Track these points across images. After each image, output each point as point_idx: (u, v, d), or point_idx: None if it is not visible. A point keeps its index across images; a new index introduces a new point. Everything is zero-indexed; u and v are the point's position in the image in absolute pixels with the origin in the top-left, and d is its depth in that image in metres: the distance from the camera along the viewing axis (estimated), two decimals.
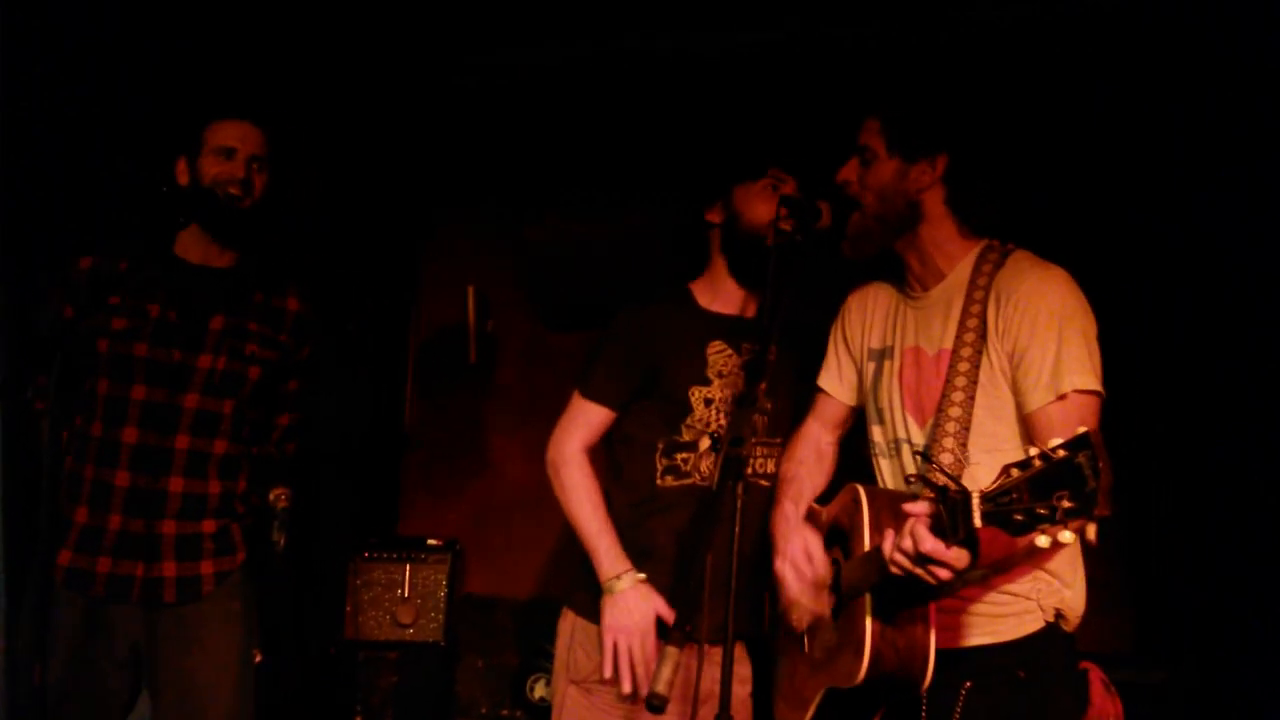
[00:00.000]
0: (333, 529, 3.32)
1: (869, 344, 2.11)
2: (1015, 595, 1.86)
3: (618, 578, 2.21)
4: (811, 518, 2.10)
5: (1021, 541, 1.53)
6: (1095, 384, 1.79)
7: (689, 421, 2.30)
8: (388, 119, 3.61)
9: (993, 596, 1.86)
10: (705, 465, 2.31)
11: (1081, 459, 1.34)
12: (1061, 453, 1.36)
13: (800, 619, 2.02)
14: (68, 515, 2.30)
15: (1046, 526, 1.36)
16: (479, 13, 3.31)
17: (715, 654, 2.09)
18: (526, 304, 3.78)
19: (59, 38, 2.58)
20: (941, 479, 1.54)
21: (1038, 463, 1.39)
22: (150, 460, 2.30)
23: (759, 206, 2.29)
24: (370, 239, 3.62)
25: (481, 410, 3.81)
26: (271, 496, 2.06)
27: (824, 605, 1.95)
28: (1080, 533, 1.35)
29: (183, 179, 2.39)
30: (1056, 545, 1.37)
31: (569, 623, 2.36)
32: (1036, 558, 1.84)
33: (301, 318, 2.50)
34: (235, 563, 2.38)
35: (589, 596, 2.30)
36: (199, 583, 2.32)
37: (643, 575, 2.22)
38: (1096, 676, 1.93)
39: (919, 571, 1.61)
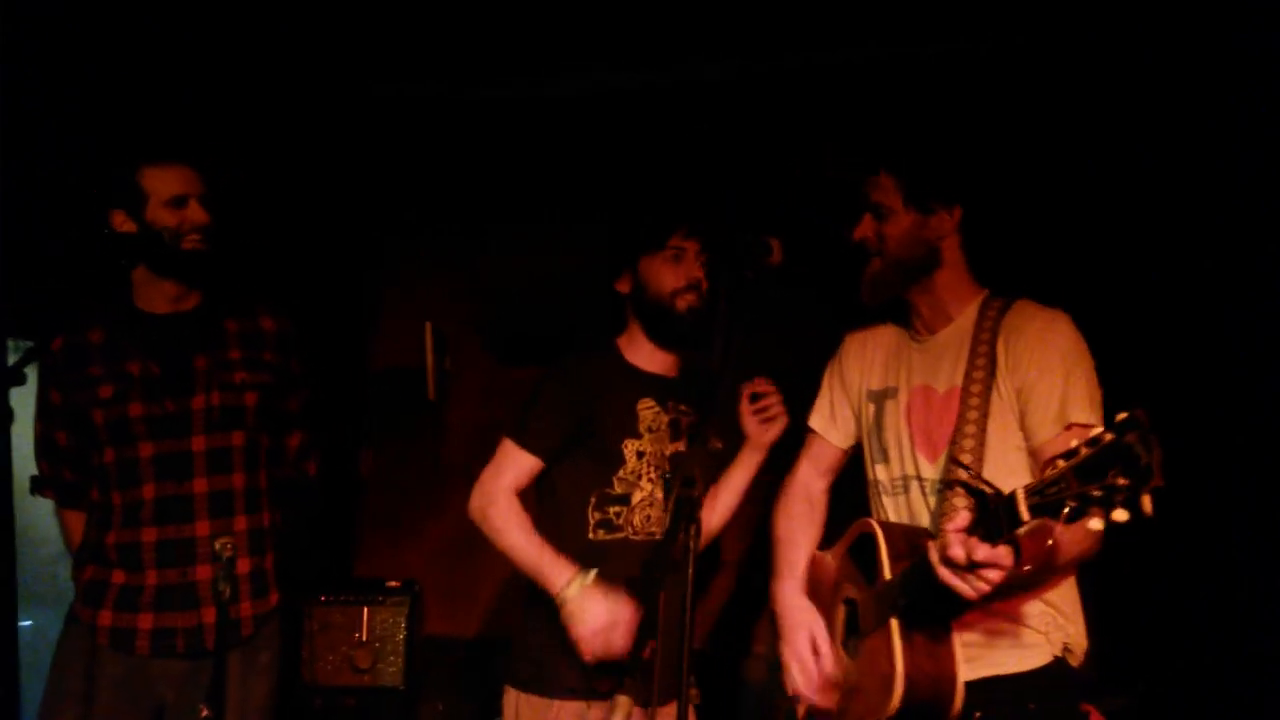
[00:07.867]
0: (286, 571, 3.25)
1: (868, 385, 2.14)
2: (1025, 627, 1.88)
3: (569, 584, 2.18)
4: (816, 567, 2.12)
5: (1060, 546, 1.56)
6: (1097, 420, 1.83)
7: (621, 473, 2.32)
8: (339, 151, 3.59)
9: (1003, 626, 1.88)
10: (638, 519, 2.33)
11: (1131, 438, 1.34)
12: (1109, 436, 1.36)
13: (801, 711, 2.04)
14: (104, 579, 2.30)
15: (1098, 509, 1.36)
16: (429, 48, 3.32)
17: (665, 714, 2.08)
18: (484, 339, 3.76)
19: None
20: (978, 484, 1.55)
21: (1084, 450, 1.39)
22: (173, 510, 2.29)
23: (664, 276, 2.36)
24: (322, 274, 3.59)
25: (440, 448, 3.77)
26: (217, 546, 2.01)
27: (830, 701, 1.97)
28: (1137, 507, 1.33)
29: (128, 230, 2.34)
30: (1104, 527, 1.36)
31: (513, 699, 2.31)
32: (1054, 578, 1.86)
33: (280, 333, 2.49)
34: (269, 605, 2.37)
35: (531, 667, 2.28)
36: (239, 625, 2.30)
37: (594, 572, 2.19)
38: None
39: (962, 585, 1.62)
